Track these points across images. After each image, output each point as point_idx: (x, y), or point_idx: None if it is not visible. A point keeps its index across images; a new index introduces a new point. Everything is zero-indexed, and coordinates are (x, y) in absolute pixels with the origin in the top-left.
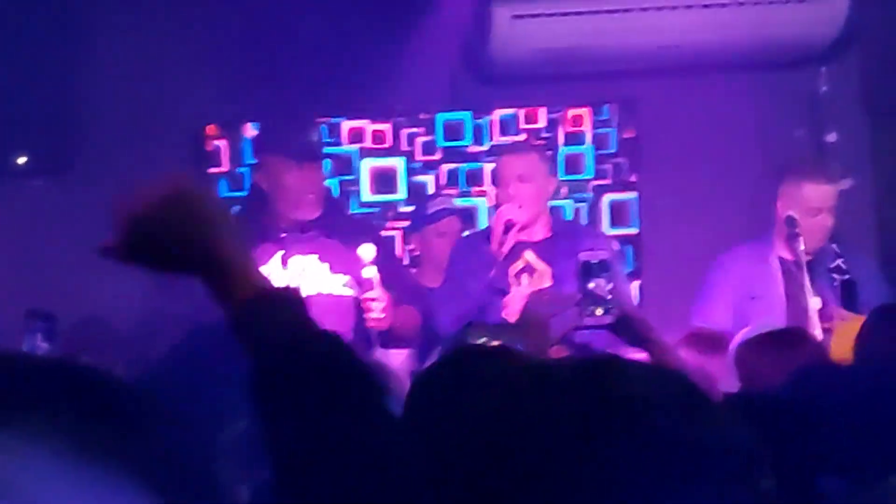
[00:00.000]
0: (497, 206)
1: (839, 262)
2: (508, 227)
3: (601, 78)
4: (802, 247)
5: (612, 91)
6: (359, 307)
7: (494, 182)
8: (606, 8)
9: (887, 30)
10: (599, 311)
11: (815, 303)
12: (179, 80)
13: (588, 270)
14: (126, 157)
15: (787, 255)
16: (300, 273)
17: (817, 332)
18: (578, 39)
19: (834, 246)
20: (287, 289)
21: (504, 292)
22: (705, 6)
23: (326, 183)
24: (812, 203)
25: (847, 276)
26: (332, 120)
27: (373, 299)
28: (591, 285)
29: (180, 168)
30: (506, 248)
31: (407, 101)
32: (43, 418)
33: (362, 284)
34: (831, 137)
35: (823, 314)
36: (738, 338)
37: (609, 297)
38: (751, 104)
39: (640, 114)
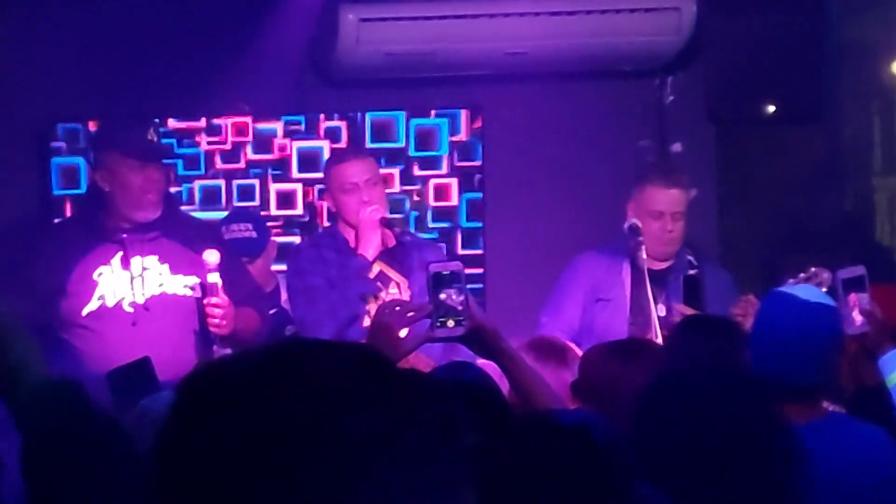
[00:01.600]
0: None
1: (692, 272)
2: (387, 227)
3: (448, 83)
4: (645, 255)
5: (459, 96)
6: (201, 309)
7: (328, 188)
8: (454, 13)
9: (732, 40)
10: (451, 323)
11: (659, 310)
12: (24, 76)
13: (439, 281)
14: None
15: (637, 262)
16: (140, 273)
17: (658, 338)
18: (426, 44)
19: (689, 256)
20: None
21: (374, 298)
22: (553, 13)
23: (167, 185)
24: (657, 207)
25: (692, 273)
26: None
27: (214, 305)
28: (442, 296)
29: (24, 164)
30: (375, 252)
31: (253, 102)
32: None
33: (206, 289)
34: (676, 147)
35: (665, 321)
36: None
37: (461, 308)
38: (598, 112)
39: (485, 120)
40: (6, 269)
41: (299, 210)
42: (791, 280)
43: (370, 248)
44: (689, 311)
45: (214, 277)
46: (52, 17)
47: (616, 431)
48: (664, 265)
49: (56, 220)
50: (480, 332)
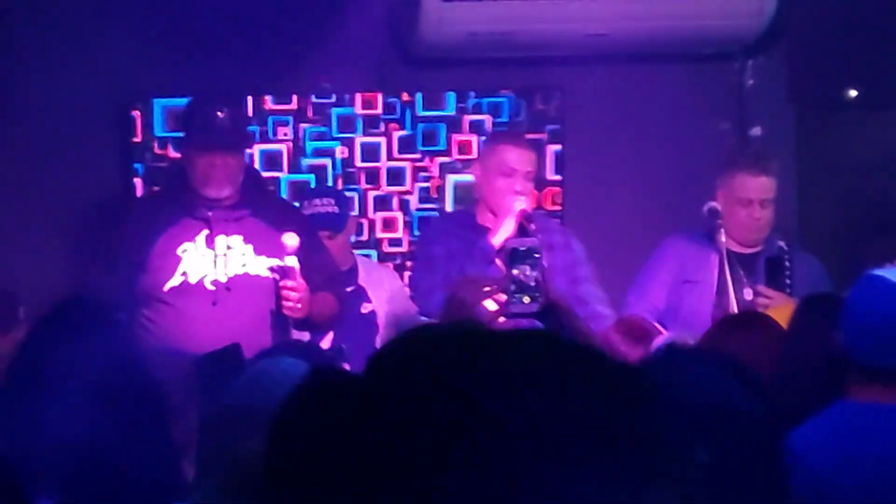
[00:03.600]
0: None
1: (775, 254)
2: (524, 221)
3: (529, 64)
4: (724, 237)
5: (541, 77)
6: (277, 291)
7: (483, 164)
8: None
9: (813, 24)
10: (526, 299)
11: (746, 294)
12: (106, 52)
13: (515, 257)
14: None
15: (730, 247)
16: (225, 252)
17: None
18: (507, 25)
19: (781, 242)
20: None
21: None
22: None
23: (237, 167)
24: (747, 194)
25: (774, 255)
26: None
27: (290, 288)
28: (516, 272)
29: (106, 140)
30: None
31: (335, 80)
32: None
33: (283, 272)
34: (756, 131)
35: (752, 305)
36: (659, 341)
37: (535, 284)
38: (678, 95)
39: (567, 101)
40: (93, 243)
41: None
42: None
43: (503, 237)
44: (771, 293)
45: (292, 261)
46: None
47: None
48: (753, 250)
49: (142, 194)
50: (555, 309)
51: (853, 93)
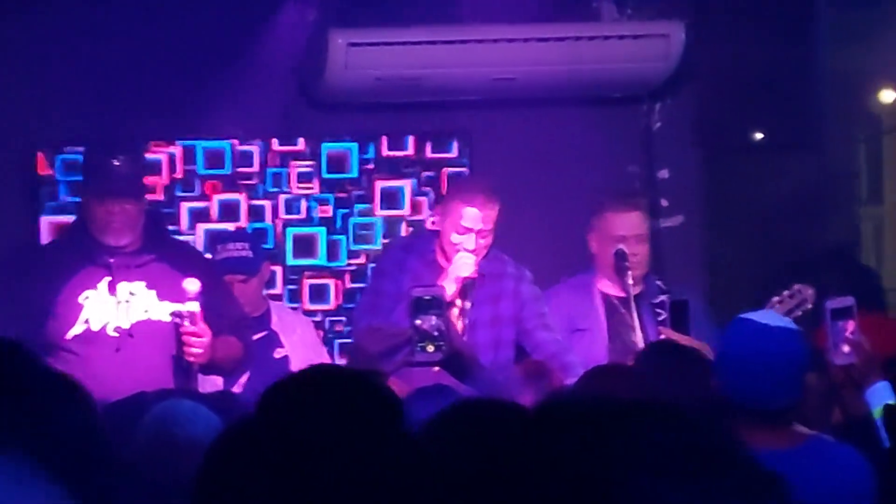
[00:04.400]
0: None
1: (663, 297)
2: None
3: (436, 108)
4: (631, 281)
5: (447, 121)
6: (178, 337)
7: (445, 213)
8: (443, 38)
9: (720, 68)
10: (430, 348)
11: (637, 338)
12: (9, 102)
13: (419, 307)
14: None
15: (608, 290)
16: (127, 299)
17: None
18: (414, 69)
19: (658, 281)
20: None
21: None
22: (541, 40)
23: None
24: (618, 231)
25: (677, 298)
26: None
27: (191, 333)
28: (419, 322)
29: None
30: (455, 291)
31: (240, 126)
32: None
33: (184, 317)
34: (663, 174)
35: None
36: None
37: (437, 333)
38: (585, 138)
39: (473, 146)
40: None
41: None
42: (776, 298)
43: (453, 285)
44: (678, 336)
45: (193, 306)
46: (43, 40)
47: None
48: (634, 291)
49: (46, 242)
50: (459, 358)
51: (759, 135)
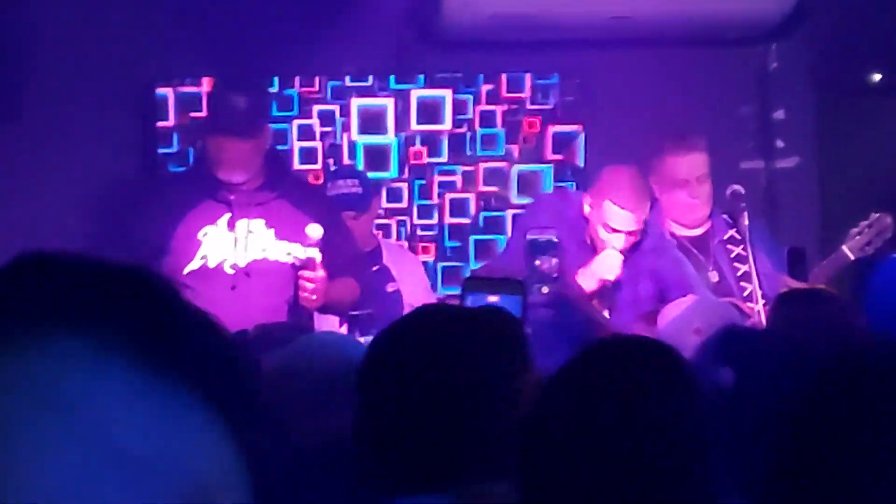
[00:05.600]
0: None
1: (732, 232)
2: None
3: (552, 46)
4: (747, 220)
5: (563, 60)
6: (296, 280)
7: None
8: None
9: (838, 8)
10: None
11: (711, 276)
12: (127, 35)
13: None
14: (76, 110)
15: (676, 231)
16: (245, 236)
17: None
18: (530, 7)
19: (725, 216)
20: None
21: None
22: None
23: (255, 151)
24: (679, 175)
25: (794, 246)
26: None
27: (308, 279)
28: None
29: (129, 124)
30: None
31: (356, 63)
32: (117, 330)
33: (304, 263)
34: (779, 115)
35: (720, 287)
36: (665, 314)
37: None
38: (701, 80)
39: (589, 85)
40: (115, 227)
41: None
42: (854, 230)
43: (594, 283)
44: (795, 284)
45: (313, 252)
46: None
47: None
48: (701, 230)
49: (164, 169)
50: (571, 299)
51: (877, 77)
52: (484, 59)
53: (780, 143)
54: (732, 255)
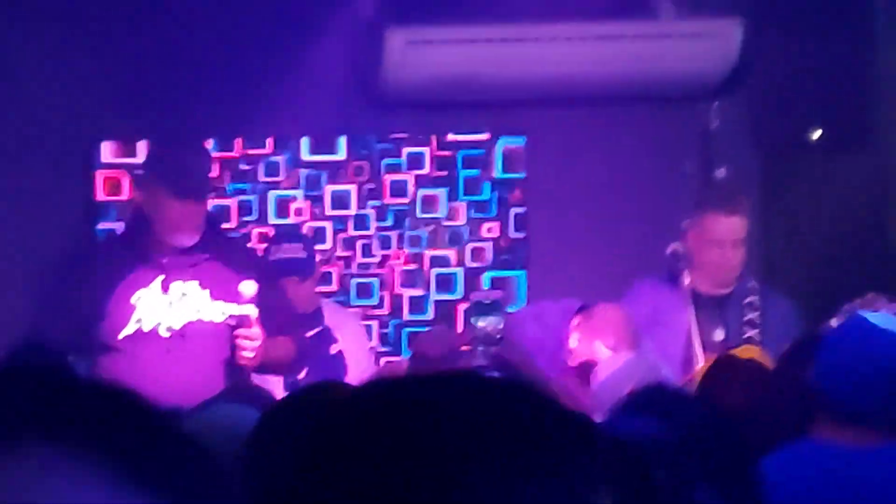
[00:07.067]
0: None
1: (752, 298)
2: None
3: (494, 107)
4: (687, 280)
5: (505, 121)
6: (232, 339)
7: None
8: (501, 37)
9: (778, 67)
10: (491, 350)
11: (717, 335)
12: (71, 94)
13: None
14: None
15: (700, 288)
16: (179, 298)
17: (700, 363)
18: (472, 68)
19: (752, 283)
20: None
21: None
22: (599, 38)
23: (206, 214)
24: (718, 235)
25: (758, 313)
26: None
27: (245, 337)
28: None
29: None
30: None
31: (297, 124)
32: (92, 443)
33: (240, 320)
34: (721, 173)
35: (721, 346)
36: (599, 370)
37: (498, 336)
38: (642, 138)
39: (531, 145)
40: (51, 289)
41: None
42: (847, 306)
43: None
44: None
45: (249, 309)
46: (99, 35)
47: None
48: (725, 291)
49: (99, 239)
50: (516, 362)
51: (818, 133)
52: (428, 119)
53: None
54: (745, 319)
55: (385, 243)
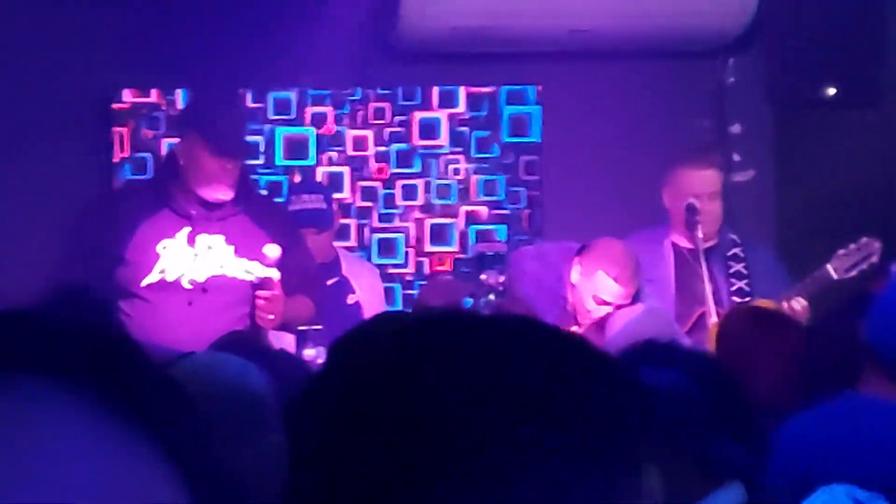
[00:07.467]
0: None
1: (736, 250)
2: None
3: (510, 59)
4: (701, 234)
5: (520, 73)
6: (254, 298)
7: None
8: None
9: (794, 23)
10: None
11: (707, 288)
12: (87, 42)
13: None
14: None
15: (680, 242)
16: (205, 251)
17: (713, 317)
18: (489, 20)
19: (732, 235)
20: None
21: None
22: None
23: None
24: (692, 188)
25: (744, 264)
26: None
27: (266, 299)
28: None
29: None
30: None
31: (314, 75)
32: (78, 381)
33: (262, 282)
34: (735, 129)
35: (715, 300)
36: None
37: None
38: (658, 92)
39: (546, 97)
40: (70, 236)
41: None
42: (841, 250)
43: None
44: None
45: (272, 272)
46: None
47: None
48: (707, 245)
49: (121, 184)
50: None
51: (831, 91)
52: (444, 71)
53: (736, 157)
54: (731, 271)
55: (410, 193)
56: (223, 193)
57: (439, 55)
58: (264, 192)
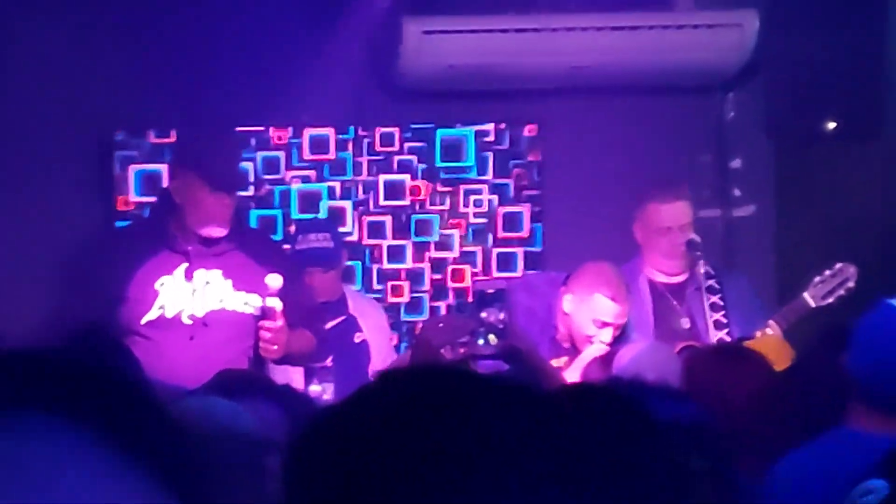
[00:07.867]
0: None
1: (711, 282)
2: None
3: (510, 96)
4: (703, 269)
5: (521, 110)
6: (257, 331)
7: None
8: (517, 27)
9: (793, 57)
10: (493, 340)
11: (683, 323)
12: (87, 82)
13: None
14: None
15: (655, 277)
16: (203, 287)
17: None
18: (488, 57)
19: (706, 267)
20: None
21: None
22: (616, 28)
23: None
24: (664, 223)
25: (719, 296)
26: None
27: (269, 329)
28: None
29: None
30: None
31: (313, 113)
32: (82, 417)
33: (264, 312)
34: (736, 163)
35: (691, 334)
36: (620, 357)
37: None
38: (658, 128)
39: (545, 133)
40: (69, 274)
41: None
42: (817, 278)
43: (577, 375)
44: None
45: (273, 302)
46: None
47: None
48: (680, 278)
49: (122, 224)
50: (519, 349)
51: (831, 125)
52: (444, 108)
53: (737, 192)
54: (709, 303)
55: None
56: (219, 229)
57: (437, 93)
58: (258, 229)
